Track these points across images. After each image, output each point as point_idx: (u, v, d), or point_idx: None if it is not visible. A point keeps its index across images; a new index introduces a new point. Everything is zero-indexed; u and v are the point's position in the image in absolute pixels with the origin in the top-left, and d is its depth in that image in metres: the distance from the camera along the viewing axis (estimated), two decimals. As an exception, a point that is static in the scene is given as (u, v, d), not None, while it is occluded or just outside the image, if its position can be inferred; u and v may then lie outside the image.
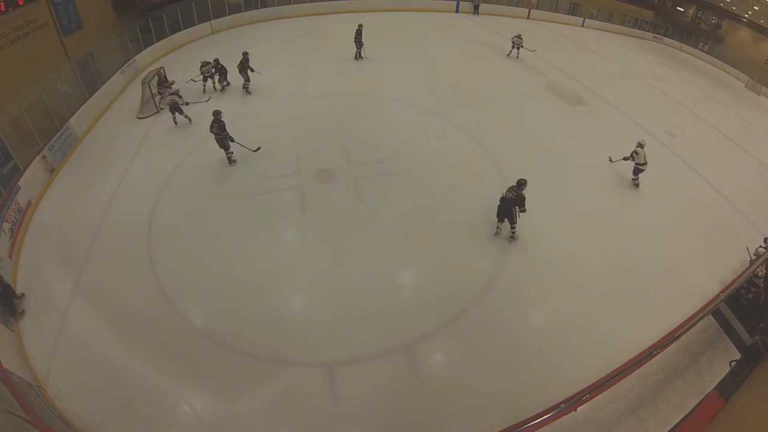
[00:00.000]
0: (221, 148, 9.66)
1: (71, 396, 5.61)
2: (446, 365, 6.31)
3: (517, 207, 7.79)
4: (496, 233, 8.27)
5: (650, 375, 6.07)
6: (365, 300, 7.01)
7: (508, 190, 7.83)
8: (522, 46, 17.36)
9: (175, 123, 11.43)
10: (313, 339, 6.42)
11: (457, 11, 23.91)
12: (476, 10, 23.53)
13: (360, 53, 15.74)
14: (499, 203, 7.89)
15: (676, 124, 13.98)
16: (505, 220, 8.01)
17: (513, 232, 8.15)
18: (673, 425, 5.12)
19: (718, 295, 7.40)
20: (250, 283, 7.22)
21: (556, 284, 7.54)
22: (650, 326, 6.85)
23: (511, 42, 17.54)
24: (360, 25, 15.50)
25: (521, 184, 7.73)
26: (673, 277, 7.93)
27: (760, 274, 6.92)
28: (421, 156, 10.41)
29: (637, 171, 10.06)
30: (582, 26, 26.31)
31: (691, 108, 15.86)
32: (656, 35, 28.39)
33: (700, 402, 5.19)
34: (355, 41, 15.50)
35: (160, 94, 12.32)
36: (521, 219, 8.00)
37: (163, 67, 13.05)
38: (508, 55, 17.69)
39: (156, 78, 12.31)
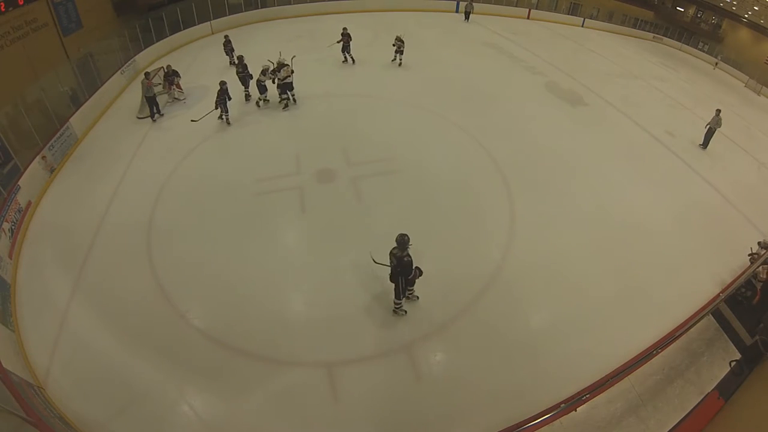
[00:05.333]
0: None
1: (71, 396, 5.61)
2: (446, 365, 6.30)
3: (402, 277, 5.97)
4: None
5: (650, 375, 6.06)
6: (365, 300, 7.00)
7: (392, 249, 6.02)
8: (402, 51, 15.00)
9: (258, 103, 12.07)
10: (313, 339, 6.41)
11: (457, 11, 23.89)
12: (467, 17, 22.90)
13: (347, 57, 15.25)
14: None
15: (676, 124, 13.96)
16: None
17: (397, 306, 6.49)
18: (673, 425, 5.13)
19: (718, 295, 7.39)
20: (250, 282, 7.22)
21: (555, 284, 7.53)
22: (650, 326, 6.86)
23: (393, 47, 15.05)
24: (345, 28, 14.84)
25: (402, 243, 5.83)
26: (673, 277, 7.92)
27: (761, 276, 6.91)
28: (421, 156, 10.39)
29: (285, 88, 11.67)
30: (582, 26, 26.30)
31: (691, 108, 15.84)
32: (656, 35, 28.38)
33: (700, 402, 5.20)
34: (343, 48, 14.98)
35: (168, 91, 12.31)
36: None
37: (166, 66, 13.00)
38: (392, 60, 15.32)
39: (162, 71, 12.28)
